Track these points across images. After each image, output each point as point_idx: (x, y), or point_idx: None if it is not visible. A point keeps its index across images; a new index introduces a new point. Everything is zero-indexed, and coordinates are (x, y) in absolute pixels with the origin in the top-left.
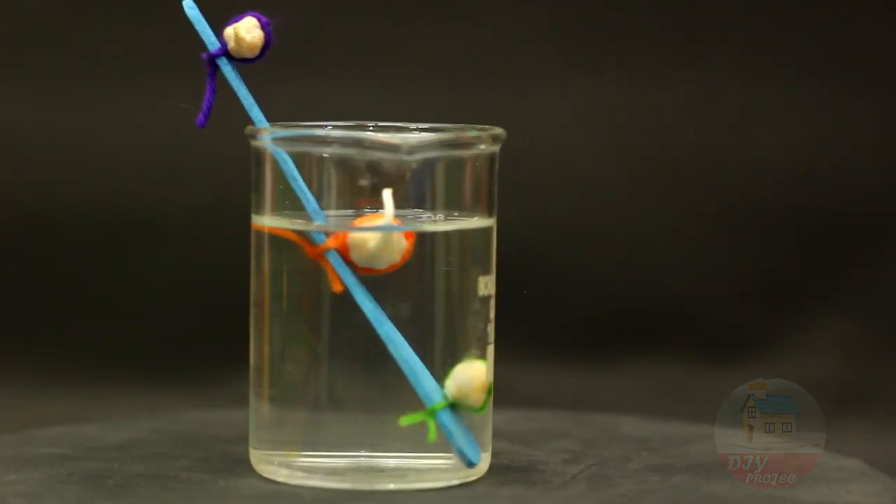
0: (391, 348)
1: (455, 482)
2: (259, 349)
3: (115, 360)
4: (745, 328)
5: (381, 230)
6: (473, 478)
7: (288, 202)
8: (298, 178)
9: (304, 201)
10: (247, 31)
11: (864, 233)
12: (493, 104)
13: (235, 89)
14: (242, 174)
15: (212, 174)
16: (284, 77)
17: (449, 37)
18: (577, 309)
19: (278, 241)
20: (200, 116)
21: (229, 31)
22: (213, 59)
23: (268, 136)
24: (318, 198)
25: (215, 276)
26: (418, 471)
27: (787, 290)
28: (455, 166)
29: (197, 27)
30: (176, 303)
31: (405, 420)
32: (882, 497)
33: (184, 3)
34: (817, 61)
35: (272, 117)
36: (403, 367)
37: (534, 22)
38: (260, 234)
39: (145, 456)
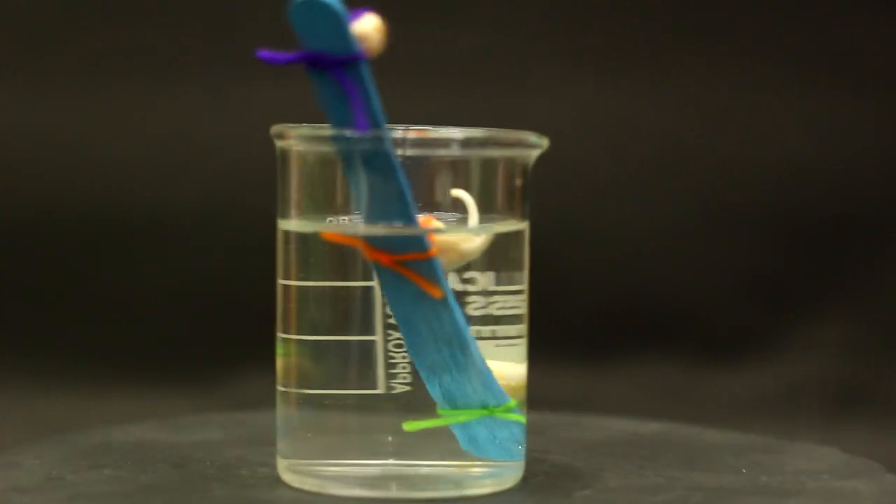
0: (473, 351)
1: (488, 490)
2: (286, 354)
3: (115, 360)
4: (745, 328)
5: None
6: (508, 485)
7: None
8: (405, 181)
9: (399, 206)
10: (384, 30)
11: (864, 233)
12: (495, 104)
13: (369, 92)
14: (242, 174)
15: (212, 174)
16: (283, 77)
17: (450, 37)
18: (577, 309)
19: (306, 241)
20: (361, 121)
21: (370, 30)
22: (353, 61)
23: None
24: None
25: (216, 276)
26: (451, 479)
27: (787, 290)
28: (489, 168)
29: (345, 27)
30: (176, 303)
31: (410, 426)
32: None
33: (329, 1)
34: (818, 62)
35: (271, 117)
36: (480, 369)
37: (535, 22)
38: (287, 233)
39: (163, 462)
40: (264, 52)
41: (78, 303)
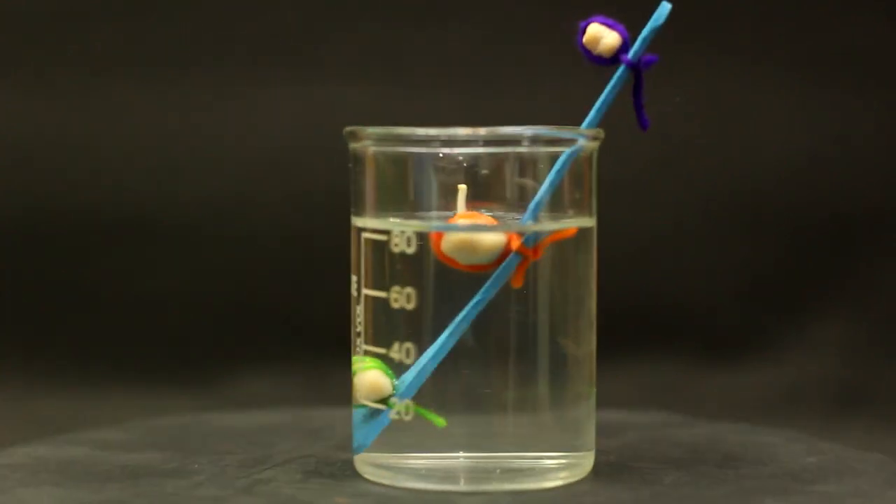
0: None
1: (560, 482)
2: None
3: (115, 360)
4: (745, 328)
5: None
6: (578, 477)
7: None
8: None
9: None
10: None
11: (864, 233)
12: (495, 104)
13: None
14: (242, 173)
15: (210, 173)
16: (285, 77)
17: (451, 37)
18: None
19: (381, 239)
20: (645, 118)
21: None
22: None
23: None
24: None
25: (216, 276)
26: (522, 471)
27: (787, 290)
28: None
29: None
30: (177, 303)
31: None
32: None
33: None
34: (818, 61)
35: (272, 117)
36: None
37: (535, 22)
38: (362, 232)
39: (235, 454)
40: (651, 57)
41: (78, 303)
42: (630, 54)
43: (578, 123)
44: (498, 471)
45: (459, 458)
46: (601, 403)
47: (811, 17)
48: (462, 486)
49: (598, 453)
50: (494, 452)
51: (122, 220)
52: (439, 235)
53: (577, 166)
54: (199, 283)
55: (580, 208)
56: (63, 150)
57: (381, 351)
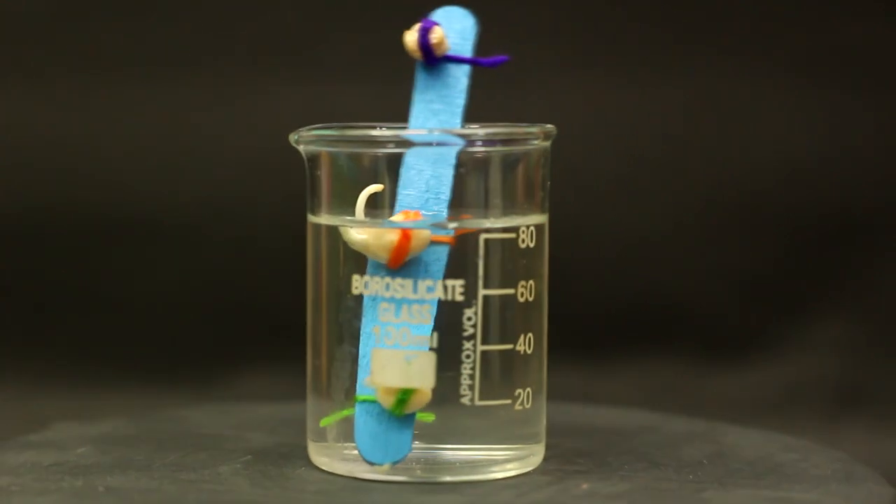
0: None
1: (511, 473)
2: (316, 345)
3: (115, 360)
4: (745, 328)
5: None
6: (530, 468)
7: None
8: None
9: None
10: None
11: (864, 233)
12: (494, 104)
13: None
14: (241, 173)
15: (210, 173)
16: (285, 77)
17: None
18: (577, 309)
19: (335, 235)
20: None
21: None
22: None
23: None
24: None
25: (215, 276)
26: (475, 462)
27: (787, 290)
28: (509, 162)
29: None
30: (177, 302)
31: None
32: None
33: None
34: (817, 61)
35: (273, 117)
36: None
37: (533, 22)
38: (317, 228)
39: (192, 446)
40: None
41: (78, 303)
42: (469, 54)
43: (573, 123)
44: (457, 463)
45: (415, 450)
46: (586, 400)
47: (811, 17)
48: (417, 477)
49: (551, 447)
50: (446, 444)
51: (122, 220)
52: (409, 234)
53: (528, 163)
54: (199, 283)
55: (531, 204)
56: (63, 150)
57: (507, 347)
